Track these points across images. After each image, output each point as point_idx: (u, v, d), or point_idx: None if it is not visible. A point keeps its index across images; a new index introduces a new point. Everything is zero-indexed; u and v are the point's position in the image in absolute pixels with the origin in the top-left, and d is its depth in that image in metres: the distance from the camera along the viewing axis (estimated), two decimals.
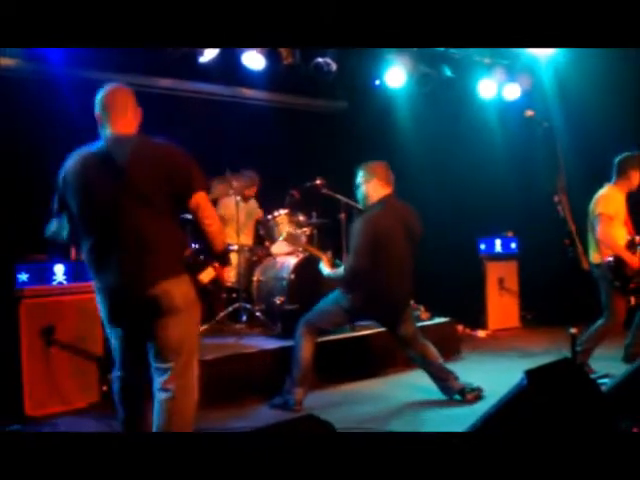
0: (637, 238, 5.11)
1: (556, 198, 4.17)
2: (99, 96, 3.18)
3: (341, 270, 4.63)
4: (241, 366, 4.97)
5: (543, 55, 6.99)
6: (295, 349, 4.66)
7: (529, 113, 4.44)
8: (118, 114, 3.14)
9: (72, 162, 3.08)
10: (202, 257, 3.18)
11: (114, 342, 3.22)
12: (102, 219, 3.02)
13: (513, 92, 7.43)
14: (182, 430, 3.05)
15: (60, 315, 4.71)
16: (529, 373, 2.89)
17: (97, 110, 3.17)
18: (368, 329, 5.64)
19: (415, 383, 5.10)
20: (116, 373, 3.28)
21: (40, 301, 4.62)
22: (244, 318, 6.02)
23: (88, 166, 3.04)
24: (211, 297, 3.97)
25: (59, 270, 4.76)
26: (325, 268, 4.81)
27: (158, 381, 3.11)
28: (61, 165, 3.11)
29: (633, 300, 5.01)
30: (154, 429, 3.10)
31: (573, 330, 3.82)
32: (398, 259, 4.60)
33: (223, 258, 3.22)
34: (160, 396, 3.09)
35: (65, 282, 4.77)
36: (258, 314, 5.88)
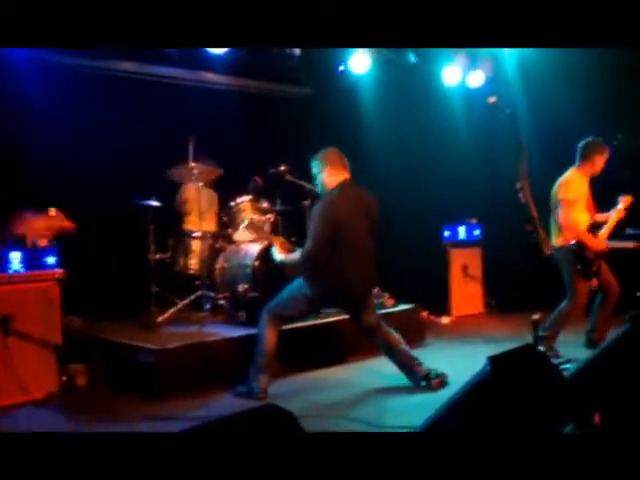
0: (599, 219, 5.19)
1: (518, 185, 4.20)
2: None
3: (295, 255, 4.59)
4: (205, 354, 4.93)
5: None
6: (259, 337, 4.62)
7: (492, 100, 4.47)
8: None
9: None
10: None
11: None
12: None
13: (477, 79, 7.46)
14: None
15: (18, 304, 4.62)
16: (492, 359, 2.91)
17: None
18: (332, 316, 5.62)
19: (380, 370, 5.10)
20: None
21: None
22: (207, 306, 5.95)
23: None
24: None
25: (15, 258, 4.64)
26: (277, 253, 4.78)
27: None
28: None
29: (595, 282, 5.09)
30: None
31: (535, 316, 3.85)
32: (357, 244, 4.57)
33: None
34: None
35: (22, 270, 4.66)
36: (221, 302, 5.84)
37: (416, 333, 6.12)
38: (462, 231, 7.65)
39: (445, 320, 7.23)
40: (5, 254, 4.60)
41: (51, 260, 4.81)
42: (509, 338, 5.78)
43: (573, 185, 5.10)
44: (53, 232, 5.22)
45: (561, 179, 5.19)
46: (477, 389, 2.88)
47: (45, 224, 5.23)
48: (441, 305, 7.38)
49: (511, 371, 2.93)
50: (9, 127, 5.42)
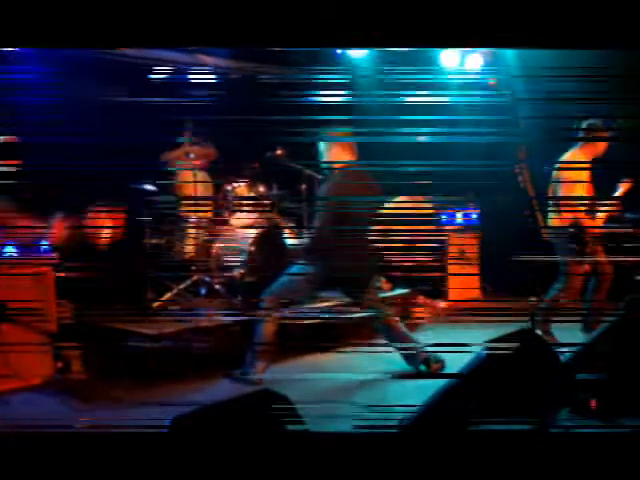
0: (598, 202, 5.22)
1: (517, 169, 4.22)
2: None
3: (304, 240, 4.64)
4: (201, 339, 5.00)
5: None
6: (257, 322, 4.63)
7: (492, 82, 4.49)
8: None
9: None
10: None
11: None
12: None
13: (476, 61, 7.46)
14: None
15: (11, 290, 4.65)
16: (489, 342, 2.94)
17: None
18: (331, 301, 5.66)
19: (379, 355, 5.13)
20: None
21: None
22: (203, 291, 5.99)
23: None
24: None
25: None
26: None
27: None
28: None
29: (588, 266, 5.12)
30: None
31: (533, 299, 3.87)
32: (361, 228, 4.60)
33: None
34: None
35: (16, 255, 4.75)
36: (217, 287, 5.88)
37: (412, 318, 6.18)
38: (460, 215, 7.65)
39: (441, 304, 7.26)
40: None
41: (45, 245, 4.89)
42: (506, 323, 5.79)
43: (574, 165, 5.13)
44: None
45: (562, 159, 5.20)
46: (474, 373, 2.91)
47: None
48: (438, 289, 7.41)
49: (507, 355, 2.96)
50: None
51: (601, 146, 5.22)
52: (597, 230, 5.07)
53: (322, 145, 4.73)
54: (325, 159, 4.72)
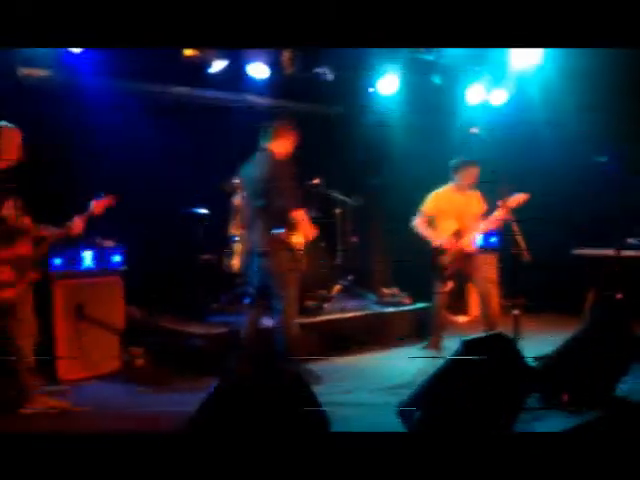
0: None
1: (499, 202, 4.81)
2: None
3: None
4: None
5: (528, 62, 7.17)
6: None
7: (473, 130, 5.05)
8: None
9: None
10: None
11: None
12: None
13: (499, 97, 7.81)
14: None
15: (89, 295, 5.33)
16: (465, 342, 3.54)
17: None
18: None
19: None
20: None
21: (72, 282, 5.26)
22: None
23: None
24: None
25: (87, 256, 5.41)
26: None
27: None
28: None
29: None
30: None
31: (516, 312, 4.50)
32: None
33: None
34: None
35: (93, 266, 5.43)
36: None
37: None
38: (479, 238, 8.12)
39: (462, 319, 7.62)
40: (79, 253, 5.36)
41: (117, 258, 5.59)
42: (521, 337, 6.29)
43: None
44: None
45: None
46: (451, 367, 3.53)
47: None
48: (458, 304, 7.64)
49: (480, 352, 3.56)
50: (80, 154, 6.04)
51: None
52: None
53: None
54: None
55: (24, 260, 3.71)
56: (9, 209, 3.72)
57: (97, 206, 4.43)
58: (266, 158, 5.13)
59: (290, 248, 4.98)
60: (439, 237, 5.85)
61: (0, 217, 3.58)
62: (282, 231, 4.95)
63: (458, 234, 5.87)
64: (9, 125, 4.15)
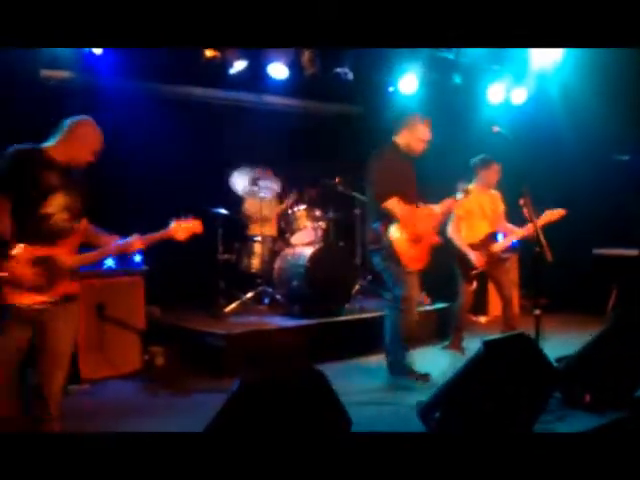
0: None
1: (521, 201, 4.76)
2: None
3: None
4: (263, 340, 5.58)
5: (549, 61, 7.22)
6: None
7: (495, 129, 4.99)
8: None
9: None
10: None
11: None
12: None
13: (520, 96, 7.82)
14: None
15: (110, 294, 5.36)
16: (486, 343, 3.52)
17: None
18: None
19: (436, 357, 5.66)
20: None
21: (94, 282, 5.26)
22: (266, 301, 6.72)
23: None
24: None
25: None
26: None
27: None
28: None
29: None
30: None
31: (537, 312, 4.46)
32: None
33: None
34: None
35: (114, 266, 5.45)
36: (278, 297, 6.52)
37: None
38: (500, 238, 8.11)
39: (482, 319, 7.61)
40: None
41: (137, 258, 5.62)
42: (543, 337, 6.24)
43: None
44: None
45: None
46: (472, 367, 3.51)
47: None
48: (478, 304, 7.54)
49: (502, 353, 3.56)
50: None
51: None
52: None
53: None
54: None
55: (59, 264, 3.29)
56: (56, 207, 3.34)
57: (176, 230, 3.77)
58: (380, 151, 5.09)
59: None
60: (471, 239, 5.80)
61: (45, 214, 3.30)
62: (379, 225, 4.87)
63: (491, 236, 5.87)
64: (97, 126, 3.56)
